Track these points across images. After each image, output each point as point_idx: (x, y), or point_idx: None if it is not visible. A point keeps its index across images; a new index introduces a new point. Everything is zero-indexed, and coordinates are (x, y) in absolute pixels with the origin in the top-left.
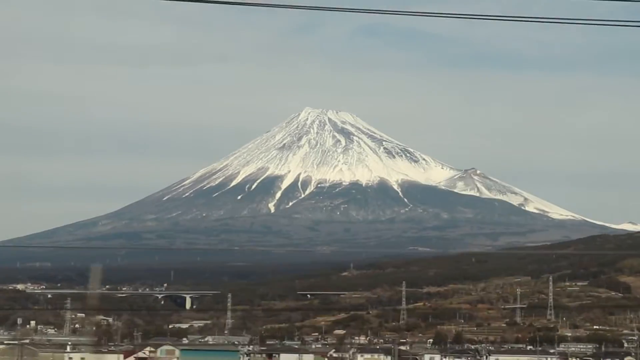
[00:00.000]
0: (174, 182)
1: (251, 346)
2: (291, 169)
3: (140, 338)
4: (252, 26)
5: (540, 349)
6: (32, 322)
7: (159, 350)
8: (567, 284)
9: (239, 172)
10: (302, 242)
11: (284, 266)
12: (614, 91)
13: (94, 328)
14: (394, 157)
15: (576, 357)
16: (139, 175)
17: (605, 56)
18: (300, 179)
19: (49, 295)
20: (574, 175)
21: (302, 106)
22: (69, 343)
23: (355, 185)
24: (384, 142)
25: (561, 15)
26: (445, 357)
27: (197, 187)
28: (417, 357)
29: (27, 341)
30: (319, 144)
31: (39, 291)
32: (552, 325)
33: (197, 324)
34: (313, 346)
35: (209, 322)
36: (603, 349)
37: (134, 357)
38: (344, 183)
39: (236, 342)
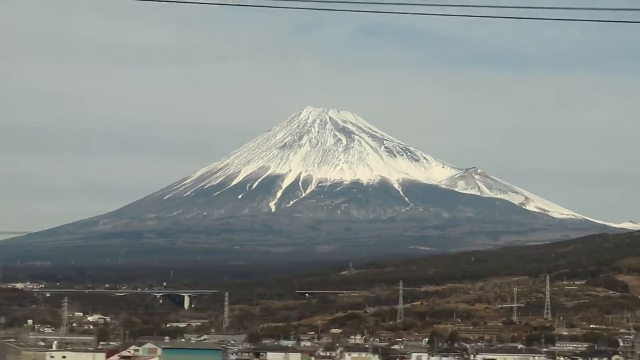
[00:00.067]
0: (174, 181)
1: (241, 345)
2: (292, 168)
3: (127, 337)
4: (253, 25)
5: (529, 348)
6: (30, 321)
7: (141, 348)
8: (565, 283)
9: (239, 171)
10: (303, 241)
11: (284, 265)
12: (615, 90)
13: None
14: (395, 156)
15: (564, 356)
16: (140, 175)
17: (606, 55)
18: (301, 178)
19: (47, 294)
20: (575, 174)
21: (303, 105)
22: (55, 342)
23: (356, 184)
24: (385, 141)
25: (564, 13)
26: (432, 356)
27: (197, 187)
28: (405, 356)
29: (13, 340)
30: (320, 143)
31: (37, 290)
32: (548, 325)
33: (195, 322)
34: (302, 344)
35: (206, 321)
36: (596, 347)
37: (118, 356)
38: (344, 182)
39: (232, 341)
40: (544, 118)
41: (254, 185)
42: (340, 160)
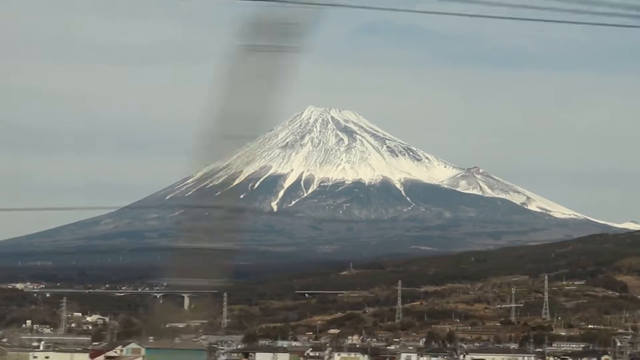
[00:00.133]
0: (176, 180)
1: (236, 345)
2: (294, 167)
3: (115, 337)
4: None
5: (519, 348)
6: (28, 322)
7: (124, 348)
8: (564, 283)
9: (241, 171)
10: (305, 241)
11: (285, 265)
12: (616, 89)
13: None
14: (396, 155)
15: (554, 356)
16: (141, 174)
17: (607, 54)
18: (303, 178)
19: (47, 294)
20: (577, 174)
21: (305, 105)
22: (42, 341)
23: (358, 184)
24: (386, 141)
25: (565, 13)
26: (422, 356)
27: (199, 186)
28: (394, 356)
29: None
30: (321, 143)
31: (38, 290)
32: (546, 325)
33: (194, 323)
34: (293, 344)
35: (205, 321)
36: (590, 347)
37: (104, 356)
38: (346, 182)
39: (230, 341)
40: (545, 117)
41: (256, 185)
42: (342, 159)
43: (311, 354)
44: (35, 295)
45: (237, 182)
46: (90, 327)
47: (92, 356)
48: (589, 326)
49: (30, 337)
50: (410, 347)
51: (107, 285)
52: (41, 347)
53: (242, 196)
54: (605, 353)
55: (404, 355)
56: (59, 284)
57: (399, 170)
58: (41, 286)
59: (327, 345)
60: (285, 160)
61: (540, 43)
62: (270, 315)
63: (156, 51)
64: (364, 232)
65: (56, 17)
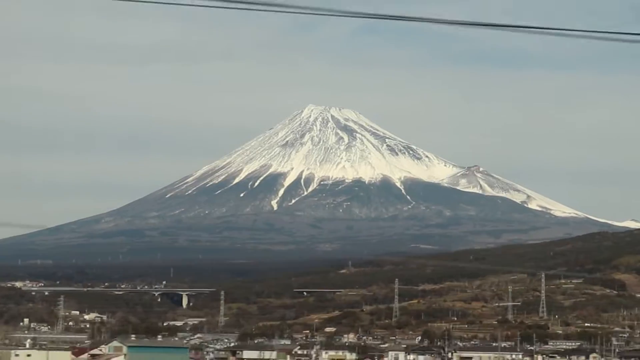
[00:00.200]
0: (176, 179)
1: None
2: (294, 166)
3: (102, 335)
4: (254, 24)
5: (505, 346)
6: (26, 320)
7: (107, 347)
8: (563, 281)
9: (241, 170)
10: (305, 239)
11: (285, 264)
12: (616, 89)
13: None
14: (396, 154)
15: (543, 354)
16: (142, 173)
17: (607, 54)
18: (303, 177)
19: (46, 293)
20: (577, 172)
21: (305, 103)
22: (29, 340)
23: (358, 182)
24: (386, 140)
25: (566, 16)
26: (409, 354)
27: (199, 185)
28: (383, 355)
29: None
30: (321, 141)
31: (36, 288)
32: (543, 323)
33: (192, 321)
34: (282, 342)
35: (203, 319)
36: (583, 345)
37: (88, 354)
38: (346, 180)
39: (226, 339)
40: (546, 116)
41: (256, 184)
42: (342, 158)
43: (299, 352)
44: (33, 293)
45: (237, 180)
46: (87, 325)
47: (75, 354)
48: (586, 324)
49: (25, 335)
50: (404, 345)
51: (106, 284)
52: (27, 345)
53: (242, 195)
54: (593, 351)
55: (391, 354)
56: (57, 282)
57: (399, 169)
58: (40, 284)
59: (316, 343)
60: (285, 159)
61: (540, 43)
62: (267, 313)
63: (156, 51)
64: (364, 231)
65: (56, 17)
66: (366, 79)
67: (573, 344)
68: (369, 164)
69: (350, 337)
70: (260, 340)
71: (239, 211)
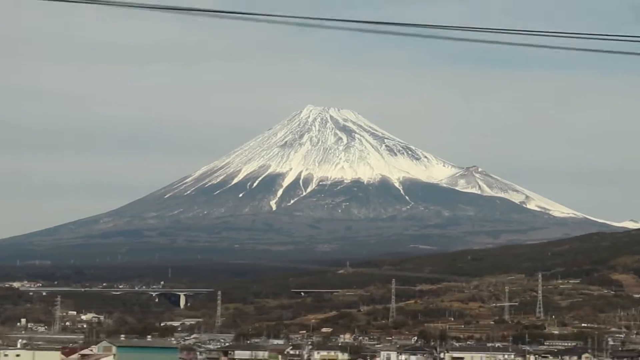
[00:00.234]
0: (175, 180)
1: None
2: (293, 166)
3: (95, 335)
4: (253, 24)
5: (496, 346)
6: (23, 320)
7: (96, 347)
8: (560, 281)
9: (240, 170)
10: (303, 240)
11: (283, 264)
12: (616, 89)
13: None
14: (395, 154)
15: (535, 354)
16: (141, 173)
17: (607, 54)
18: (302, 177)
19: (44, 293)
20: (576, 173)
21: (304, 104)
22: (20, 340)
23: (356, 183)
24: (385, 140)
25: (566, 16)
26: (401, 355)
27: (198, 185)
28: (375, 355)
29: None
30: (320, 142)
31: (34, 289)
32: (539, 323)
33: (189, 321)
34: (274, 342)
35: (200, 319)
36: (577, 345)
37: (79, 354)
38: (345, 181)
39: (222, 340)
40: (544, 117)
41: (255, 184)
42: (341, 158)
43: (291, 352)
44: (31, 294)
45: (236, 180)
46: (84, 326)
47: (66, 354)
48: (583, 325)
49: (19, 335)
50: (398, 345)
51: (104, 284)
52: (18, 345)
53: (241, 195)
54: (585, 351)
55: (384, 354)
56: (56, 283)
57: (398, 169)
58: (38, 285)
59: (309, 343)
60: (284, 159)
61: (539, 43)
62: (264, 313)
63: (156, 51)
64: (362, 231)
65: (56, 17)
66: (365, 79)
67: (569, 344)
68: (368, 165)
69: (346, 338)
70: (256, 340)
71: (238, 211)
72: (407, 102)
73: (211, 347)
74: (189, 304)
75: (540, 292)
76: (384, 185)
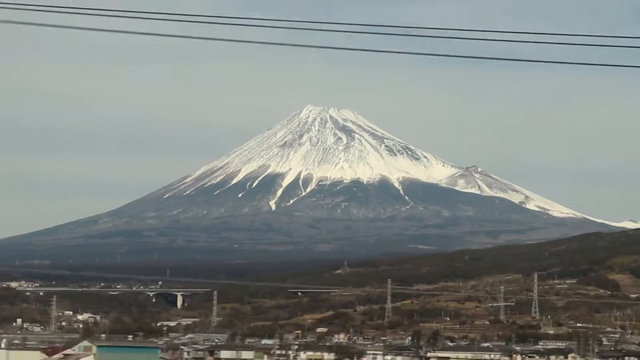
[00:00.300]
0: (175, 179)
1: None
2: (292, 166)
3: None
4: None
5: (481, 345)
6: (19, 320)
7: (76, 347)
8: (556, 281)
9: (240, 170)
10: (303, 240)
11: (281, 264)
12: (615, 89)
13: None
14: (395, 154)
15: (522, 354)
16: (140, 173)
17: (607, 54)
18: (302, 177)
19: (41, 293)
20: (575, 173)
21: (304, 104)
22: (4, 340)
23: (356, 183)
24: (385, 140)
25: (566, 16)
26: (386, 355)
27: (198, 185)
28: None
29: None
30: (320, 142)
31: (31, 289)
32: (535, 323)
33: (185, 321)
34: (263, 342)
35: (197, 319)
36: (567, 345)
37: (62, 354)
38: (345, 181)
39: (217, 340)
40: (544, 117)
41: (254, 184)
42: (340, 158)
43: (277, 352)
44: (27, 293)
45: (235, 180)
46: (80, 326)
47: (49, 354)
48: (578, 325)
49: (12, 335)
50: (390, 344)
51: (101, 284)
52: (2, 345)
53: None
54: (571, 351)
55: (369, 354)
56: (53, 283)
57: (398, 169)
58: (35, 285)
59: (294, 344)
60: (283, 159)
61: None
62: (260, 313)
63: (156, 51)
64: (362, 231)
65: (56, 17)
66: (365, 79)
67: (562, 344)
68: (367, 165)
69: (340, 337)
70: (249, 340)
71: (237, 212)
72: (406, 102)
73: (199, 346)
74: (186, 304)
75: (536, 292)
76: (384, 185)
